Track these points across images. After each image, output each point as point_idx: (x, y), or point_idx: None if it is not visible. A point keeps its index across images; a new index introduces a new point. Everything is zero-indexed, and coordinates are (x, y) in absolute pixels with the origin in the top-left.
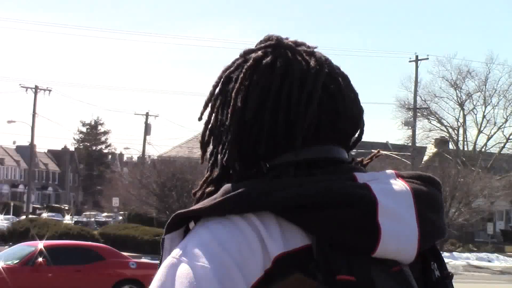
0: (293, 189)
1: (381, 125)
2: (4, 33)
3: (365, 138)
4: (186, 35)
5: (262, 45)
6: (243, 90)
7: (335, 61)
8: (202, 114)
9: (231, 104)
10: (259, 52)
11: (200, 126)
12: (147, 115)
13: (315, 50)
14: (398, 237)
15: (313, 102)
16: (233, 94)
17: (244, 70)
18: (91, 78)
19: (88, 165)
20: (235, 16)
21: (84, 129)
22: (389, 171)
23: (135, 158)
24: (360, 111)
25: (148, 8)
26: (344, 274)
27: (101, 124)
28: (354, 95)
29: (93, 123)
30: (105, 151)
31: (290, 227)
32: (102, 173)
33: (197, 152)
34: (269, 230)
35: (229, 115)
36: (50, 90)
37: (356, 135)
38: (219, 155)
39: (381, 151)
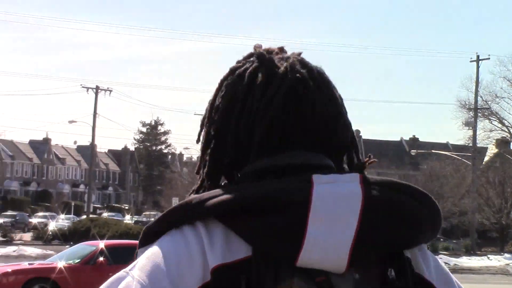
0: (227, 195)
1: (442, 126)
2: (65, 33)
3: (426, 138)
4: (250, 36)
5: (245, 55)
6: (216, 101)
7: (398, 61)
8: (199, 135)
9: (207, 116)
10: (239, 63)
11: None
12: None
13: (293, 56)
14: (324, 246)
15: (272, 106)
16: (208, 106)
17: (219, 82)
18: (151, 79)
19: (148, 165)
20: (302, 17)
21: (144, 129)
22: (354, 174)
23: (194, 158)
24: (336, 115)
25: (210, 9)
26: (269, 285)
27: (161, 124)
28: (331, 99)
29: (153, 123)
30: (165, 151)
31: (237, 236)
32: (162, 173)
33: None
34: (212, 240)
35: (204, 126)
36: (110, 91)
37: (345, 140)
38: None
39: (443, 151)
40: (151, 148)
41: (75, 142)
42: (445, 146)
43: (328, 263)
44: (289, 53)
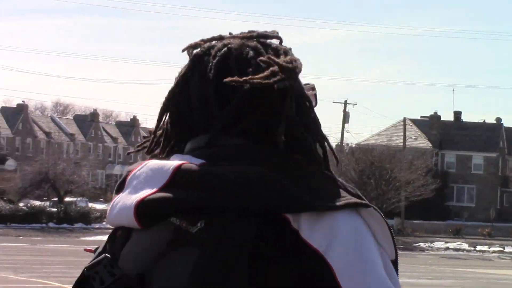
0: None
1: None
2: (197, 22)
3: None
4: (389, 24)
5: None
6: None
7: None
8: None
9: None
10: None
11: (401, 114)
12: (345, 103)
13: (226, 43)
14: (120, 207)
15: (173, 93)
16: None
17: None
18: None
19: None
20: (446, 5)
21: None
22: (199, 161)
23: (333, 146)
24: (205, 99)
25: None
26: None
27: None
28: (214, 85)
29: None
30: None
31: None
32: None
33: (396, 140)
34: None
35: None
36: None
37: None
38: None
39: None
40: None
41: None
42: None
43: (122, 220)
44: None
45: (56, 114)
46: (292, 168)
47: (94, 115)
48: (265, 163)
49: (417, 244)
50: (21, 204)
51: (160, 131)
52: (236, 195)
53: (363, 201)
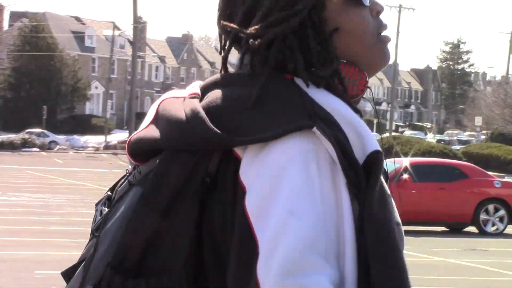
0: None
1: None
2: None
3: None
4: None
5: None
6: None
7: None
8: None
9: None
10: None
11: None
12: None
13: None
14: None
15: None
16: None
17: None
18: None
19: (450, 83)
20: None
21: (446, 48)
22: (192, 91)
23: (498, 77)
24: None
25: None
26: None
27: (464, 43)
28: None
29: (456, 42)
30: (468, 70)
31: None
32: (464, 92)
33: None
34: None
35: None
36: (413, 9)
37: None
38: None
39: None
40: (453, 67)
41: None
42: None
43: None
44: None
45: None
46: (253, 95)
47: None
48: (228, 91)
49: None
50: None
51: None
52: (169, 135)
53: (299, 123)
